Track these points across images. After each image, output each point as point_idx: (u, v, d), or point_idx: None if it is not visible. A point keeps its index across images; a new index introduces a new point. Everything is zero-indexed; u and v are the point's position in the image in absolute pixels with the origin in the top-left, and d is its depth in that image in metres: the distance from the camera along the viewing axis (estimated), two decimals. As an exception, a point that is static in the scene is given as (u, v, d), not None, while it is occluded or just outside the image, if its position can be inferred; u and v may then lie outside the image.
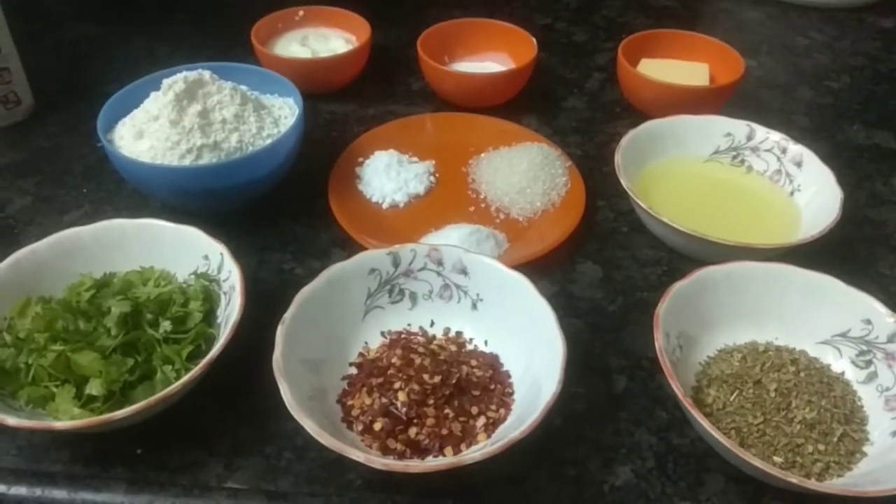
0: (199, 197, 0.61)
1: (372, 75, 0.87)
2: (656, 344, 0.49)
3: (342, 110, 0.83)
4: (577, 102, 0.86)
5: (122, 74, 0.88)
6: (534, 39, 0.84)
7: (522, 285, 0.50)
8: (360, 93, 0.86)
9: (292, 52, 0.86)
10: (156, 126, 0.61)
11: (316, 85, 0.83)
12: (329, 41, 0.88)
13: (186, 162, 0.59)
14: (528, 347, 0.49)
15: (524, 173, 0.70)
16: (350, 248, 0.63)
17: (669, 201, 0.66)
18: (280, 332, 0.46)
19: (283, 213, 0.68)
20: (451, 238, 0.62)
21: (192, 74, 0.63)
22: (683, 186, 0.69)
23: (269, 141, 0.63)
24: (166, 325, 0.50)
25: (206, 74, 0.63)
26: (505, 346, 0.52)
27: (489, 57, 0.89)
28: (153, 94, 0.64)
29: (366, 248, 0.61)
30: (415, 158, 0.74)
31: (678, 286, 0.53)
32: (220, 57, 0.90)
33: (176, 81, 0.62)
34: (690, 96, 0.77)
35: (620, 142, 0.68)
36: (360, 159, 0.73)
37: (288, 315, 0.47)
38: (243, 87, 0.68)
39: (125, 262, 0.56)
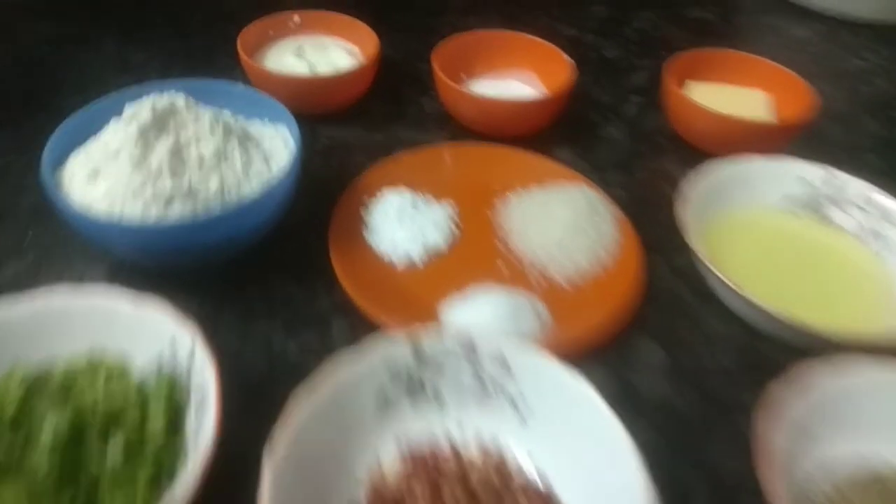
0: (168, 256, 0.49)
1: (378, 93, 0.75)
2: (761, 477, 0.37)
3: (344, 135, 0.71)
4: (616, 131, 0.75)
5: (87, 85, 0.76)
6: (569, 59, 0.72)
7: (588, 399, 0.39)
8: (364, 114, 0.74)
9: (286, 66, 0.73)
10: (115, 166, 0.48)
11: (314, 105, 0.71)
12: (328, 52, 0.76)
13: (152, 213, 0.47)
14: (593, 482, 0.38)
15: (564, 223, 0.58)
16: (354, 316, 0.51)
17: (741, 264, 0.55)
18: (267, 477, 0.34)
19: (273, 269, 0.56)
20: (484, 312, 0.50)
21: (162, 100, 0.50)
22: (756, 245, 0.58)
23: (257, 183, 0.51)
24: (118, 444, 0.38)
25: (181, 100, 0.51)
26: (558, 470, 0.41)
27: (513, 74, 0.77)
28: (114, 122, 0.51)
29: (373, 317, 0.50)
30: (430, 197, 0.62)
31: (779, 393, 0.41)
32: (202, 67, 0.78)
33: (141, 110, 0.49)
34: (756, 133, 0.65)
35: (682, 191, 0.56)
36: (367, 199, 0.61)
37: (278, 455, 0.35)
38: (226, 113, 0.55)
39: (70, 344, 0.43)
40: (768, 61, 0.74)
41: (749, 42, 0.93)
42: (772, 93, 0.73)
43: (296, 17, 0.78)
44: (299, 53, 0.75)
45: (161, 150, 0.49)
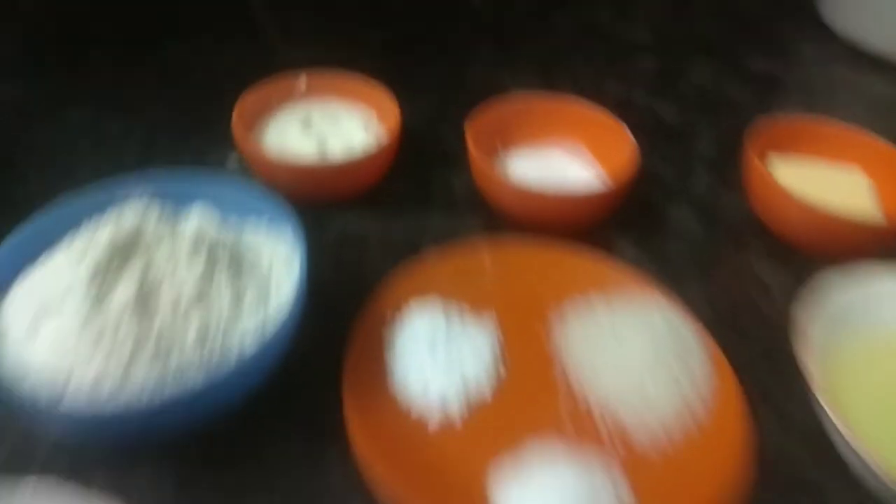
0: (126, 439, 0.37)
1: (398, 169, 0.63)
2: None
3: (359, 227, 0.59)
4: (685, 217, 0.62)
5: (53, 160, 0.64)
6: (632, 138, 0.60)
7: None
8: (382, 198, 0.62)
9: (290, 141, 0.61)
10: (59, 319, 0.36)
11: (324, 193, 0.59)
12: (340, 123, 0.64)
13: (106, 386, 0.35)
14: None
15: (641, 355, 0.46)
16: (374, 493, 0.39)
17: (880, 421, 0.42)
18: None
19: (270, 427, 0.43)
20: (549, 498, 0.38)
21: (127, 219, 0.38)
22: (888, 393, 0.45)
23: (250, 322, 0.39)
24: None
25: (151, 219, 0.39)
26: None
27: (557, 144, 0.65)
28: (65, 247, 0.39)
29: (400, 498, 0.37)
30: (467, 311, 0.50)
31: None
32: (192, 139, 0.66)
33: (99, 237, 0.37)
34: (866, 235, 0.53)
35: (798, 324, 0.44)
36: (390, 315, 0.49)
37: None
38: (212, 221, 0.43)
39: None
40: (864, 133, 0.62)
41: (823, 100, 0.81)
42: (871, 170, 0.61)
43: (302, 81, 0.66)
44: (306, 124, 0.63)
45: (124, 290, 0.37)
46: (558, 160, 0.64)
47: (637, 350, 0.46)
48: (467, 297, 0.51)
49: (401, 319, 0.49)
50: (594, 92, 0.68)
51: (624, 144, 0.60)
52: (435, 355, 0.46)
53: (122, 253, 0.38)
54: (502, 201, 0.58)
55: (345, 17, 0.92)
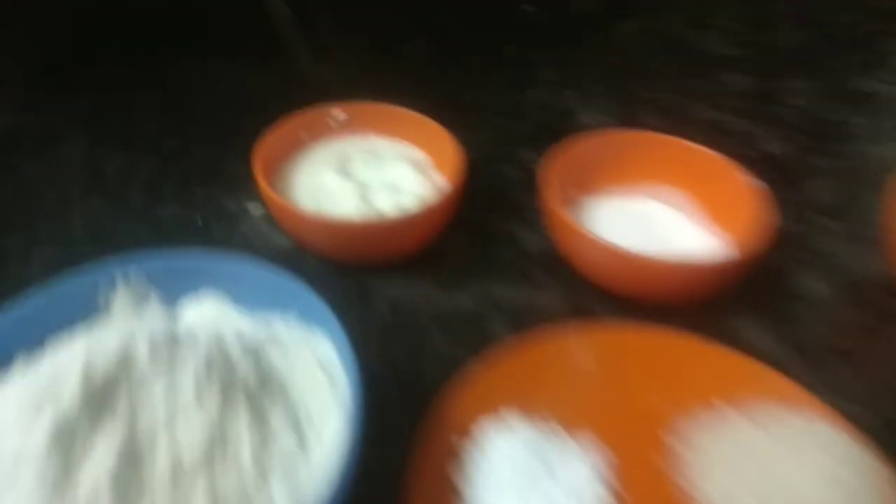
0: None
1: (456, 222, 0.51)
2: None
3: (409, 299, 0.47)
4: (815, 283, 0.50)
5: (42, 201, 0.54)
6: (759, 185, 0.48)
7: None
8: (437, 260, 0.50)
9: (326, 190, 0.50)
10: (13, 490, 0.25)
11: (368, 256, 0.47)
12: (386, 166, 0.52)
13: None
14: None
15: (805, 493, 0.34)
16: None
17: None
18: None
19: None
20: None
21: (104, 351, 0.27)
22: None
23: (279, 488, 0.27)
24: None
25: (142, 350, 0.28)
26: None
27: (650, 189, 0.53)
28: (17, 385, 0.28)
29: None
30: (557, 427, 0.38)
31: None
32: (204, 185, 0.55)
33: (61, 385, 0.26)
34: None
35: None
36: (458, 440, 0.37)
37: None
38: (227, 325, 0.32)
39: None
40: None
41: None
42: None
43: (338, 113, 0.54)
44: (345, 168, 0.52)
45: (100, 459, 0.25)
46: (655, 212, 0.52)
47: (802, 487, 0.34)
48: (556, 407, 0.39)
49: (474, 447, 0.37)
50: (678, 115, 0.56)
51: (746, 194, 0.47)
52: (526, 499, 0.34)
53: (98, 398, 0.26)
54: (589, 266, 0.46)
55: (383, 32, 0.80)
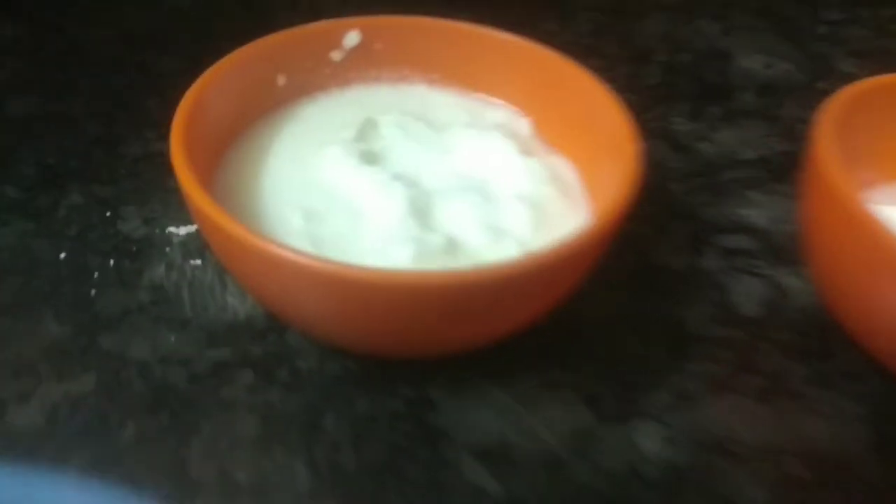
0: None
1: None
2: None
3: (525, 435, 0.21)
4: None
5: None
6: None
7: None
8: (570, 338, 0.23)
9: (337, 199, 0.23)
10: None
11: (437, 341, 0.20)
12: (452, 143, 0.25)
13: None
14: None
15: None
16: None
17: None
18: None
19: None
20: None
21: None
22: None
23: None
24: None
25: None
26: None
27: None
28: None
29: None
30: None
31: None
32: (80, 185, 0.27)
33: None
34: None
35: None
36: None
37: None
38: None
39: None
40: None
41: None
42: None
43: (349, 33, 0.27)
44: (370, 152, 0.25)
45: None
46: None
47: None
48: None
49: None
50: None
51: None
52: None
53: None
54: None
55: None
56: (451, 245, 0.22)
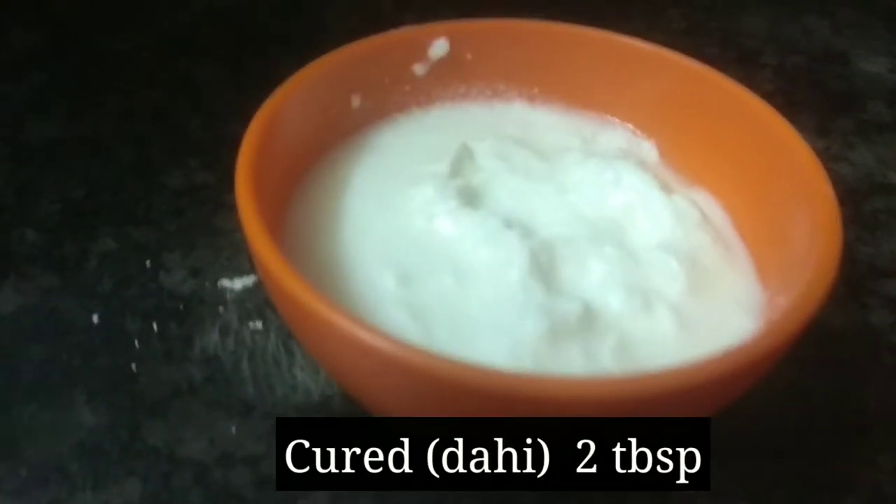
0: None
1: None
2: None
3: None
4: None
5: None
6: None
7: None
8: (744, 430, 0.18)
9: (432, 252, 0.18)
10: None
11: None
12: (570, 177, 0.20)
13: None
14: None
15: None
16: None
17: None
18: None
19: None
20: None
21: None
22: None
23: None
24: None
25: None
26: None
27: None
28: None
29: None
30: None
31: None
32: (114, 229, 0.22)
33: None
34: None
35: None
36: None
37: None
38: None
39: None
40: None
41: None
42: None
43: (437, 41, 0.22)
44: (470, 190, 0.20)
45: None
46: None
47: None
48: None
49: None
50: None
51: None
52: None
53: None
54: None
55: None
56: (588, 314, 0.17)
